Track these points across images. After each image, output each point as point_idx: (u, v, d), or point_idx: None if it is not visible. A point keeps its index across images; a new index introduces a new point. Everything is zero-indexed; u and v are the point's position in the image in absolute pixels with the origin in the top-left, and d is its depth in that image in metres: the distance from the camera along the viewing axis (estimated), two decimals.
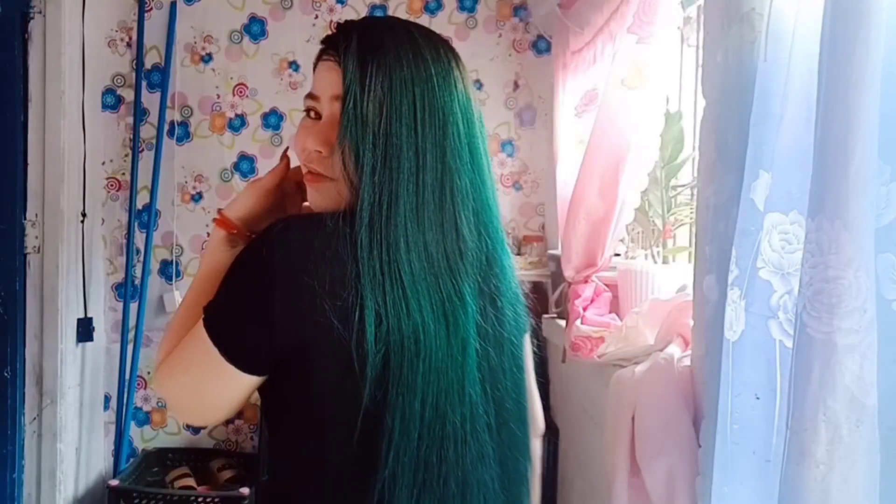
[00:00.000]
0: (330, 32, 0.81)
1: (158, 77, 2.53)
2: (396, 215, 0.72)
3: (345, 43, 0.76)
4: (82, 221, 2.32)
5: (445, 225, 0.76)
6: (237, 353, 0.74)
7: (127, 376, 2.45)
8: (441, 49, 0.80)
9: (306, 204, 0.86)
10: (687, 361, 1.14)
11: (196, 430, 2.61)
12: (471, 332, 0.76)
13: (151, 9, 2.53)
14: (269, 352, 0.73)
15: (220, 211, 0.88)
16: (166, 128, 2.53)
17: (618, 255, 1.80)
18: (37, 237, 2.18)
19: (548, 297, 2.11)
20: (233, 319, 0.75)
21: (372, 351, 0.69)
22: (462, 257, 0.76)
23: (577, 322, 1.61)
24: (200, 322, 0.75)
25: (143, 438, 2.59)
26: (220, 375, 0.74)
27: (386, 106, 0.74)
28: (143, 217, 2.52)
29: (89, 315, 2.35)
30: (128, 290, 2.48)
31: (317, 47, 0.82)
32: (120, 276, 2.53)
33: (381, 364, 0.70)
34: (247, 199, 0.88)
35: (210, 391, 0.78)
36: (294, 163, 0.89)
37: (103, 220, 2.50)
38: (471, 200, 0.78)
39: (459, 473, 0.73)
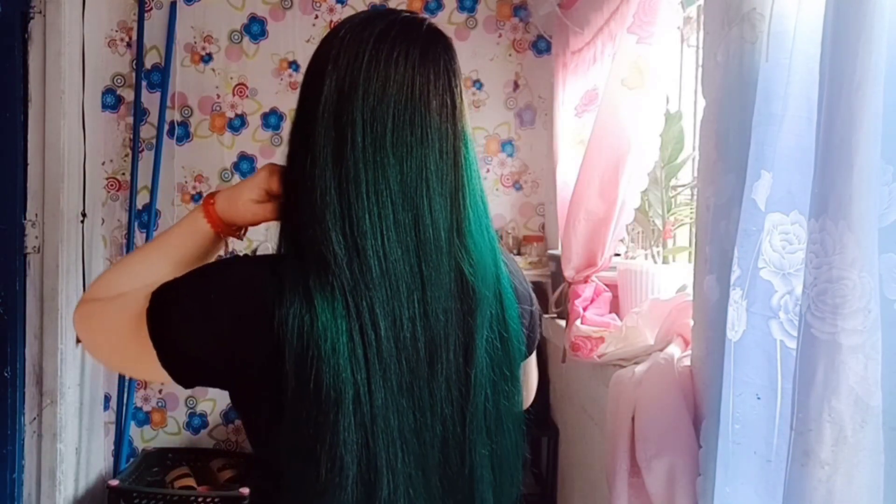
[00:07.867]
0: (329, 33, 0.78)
1: (158, 77, 2.53)
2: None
3: None
4: (82, 221, 2.32)
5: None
6: None
7: (127, 376, 2.45)
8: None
9: None
10: (687, 361, 1.14)
11: (196, 430, 2.60)
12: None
13: (151, 9, 2.53)
14: None
15: (211, 200, 0.82)
16: (166, 128, 2.53)
17: (618, 255, 1.79)
18: (37, 237, 2.17)
19: (548, 297, 2.11)
20: None
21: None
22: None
23: (577, 322, 1.61)
24: None
25: (143, 438, 2.59)
26: None
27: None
28: (143, 217, 2.52)
29: None
30: None
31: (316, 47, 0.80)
32: None
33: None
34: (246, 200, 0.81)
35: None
36: None
37: (103, 220, 2.49)
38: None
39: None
